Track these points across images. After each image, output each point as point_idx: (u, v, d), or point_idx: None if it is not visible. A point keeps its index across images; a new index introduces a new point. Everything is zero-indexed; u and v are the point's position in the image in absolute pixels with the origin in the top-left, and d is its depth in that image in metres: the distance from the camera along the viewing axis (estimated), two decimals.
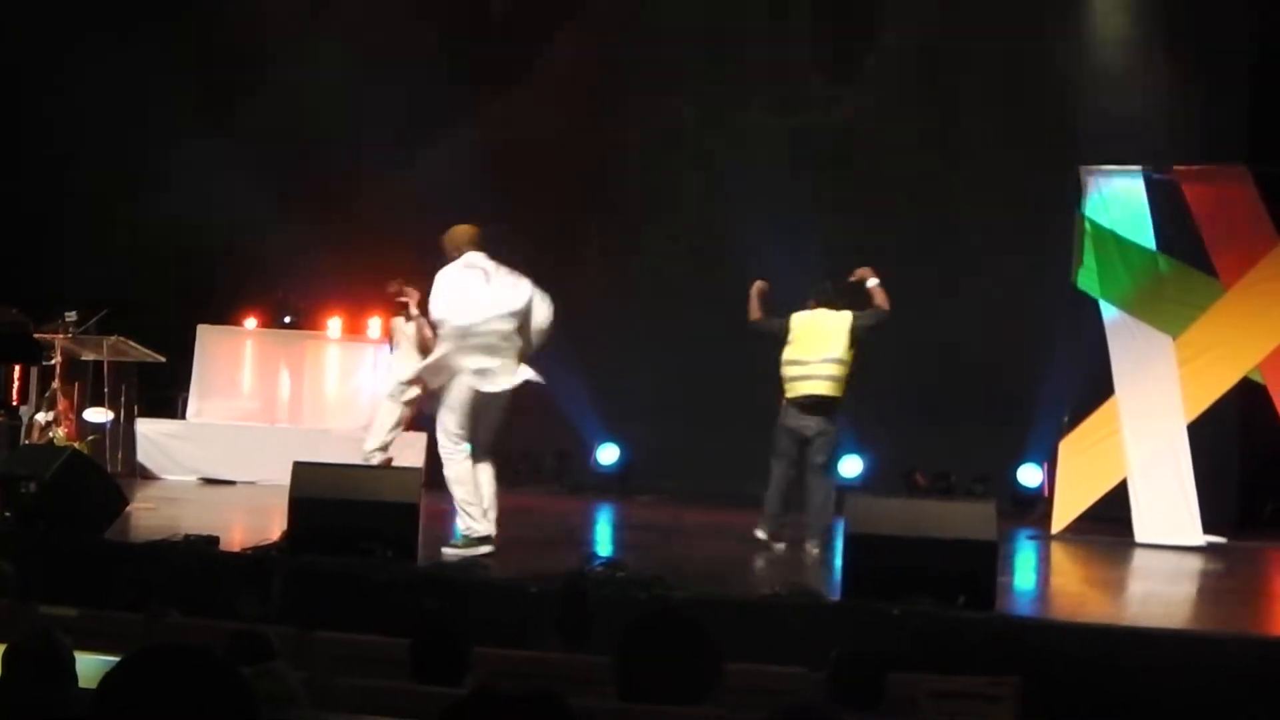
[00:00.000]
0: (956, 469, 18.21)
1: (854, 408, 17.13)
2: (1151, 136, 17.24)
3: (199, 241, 19.47)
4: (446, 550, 11.97)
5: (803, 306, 14.01)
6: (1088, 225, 16.01)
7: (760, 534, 13.64)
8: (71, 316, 17.14)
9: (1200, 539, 15.24)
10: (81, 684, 5.59)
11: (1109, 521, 15.61)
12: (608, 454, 19.47)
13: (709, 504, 17.16)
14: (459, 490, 12.25)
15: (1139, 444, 15.64)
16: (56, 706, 4.93)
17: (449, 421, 12.29)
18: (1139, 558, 14.83)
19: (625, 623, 5.53)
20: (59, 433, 16.83)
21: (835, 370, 13.68)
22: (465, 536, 12.22)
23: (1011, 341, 17.68)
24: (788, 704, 4.12)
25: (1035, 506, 17.21)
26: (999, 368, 17.75)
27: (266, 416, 18.88)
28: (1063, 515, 15.73)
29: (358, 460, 13.86)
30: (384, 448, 14.49)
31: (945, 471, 18.25)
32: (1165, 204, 16.02)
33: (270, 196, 19.13)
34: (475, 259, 12.29)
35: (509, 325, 12.27)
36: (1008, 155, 18.12)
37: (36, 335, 17.18)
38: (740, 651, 7.16)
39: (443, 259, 12.37)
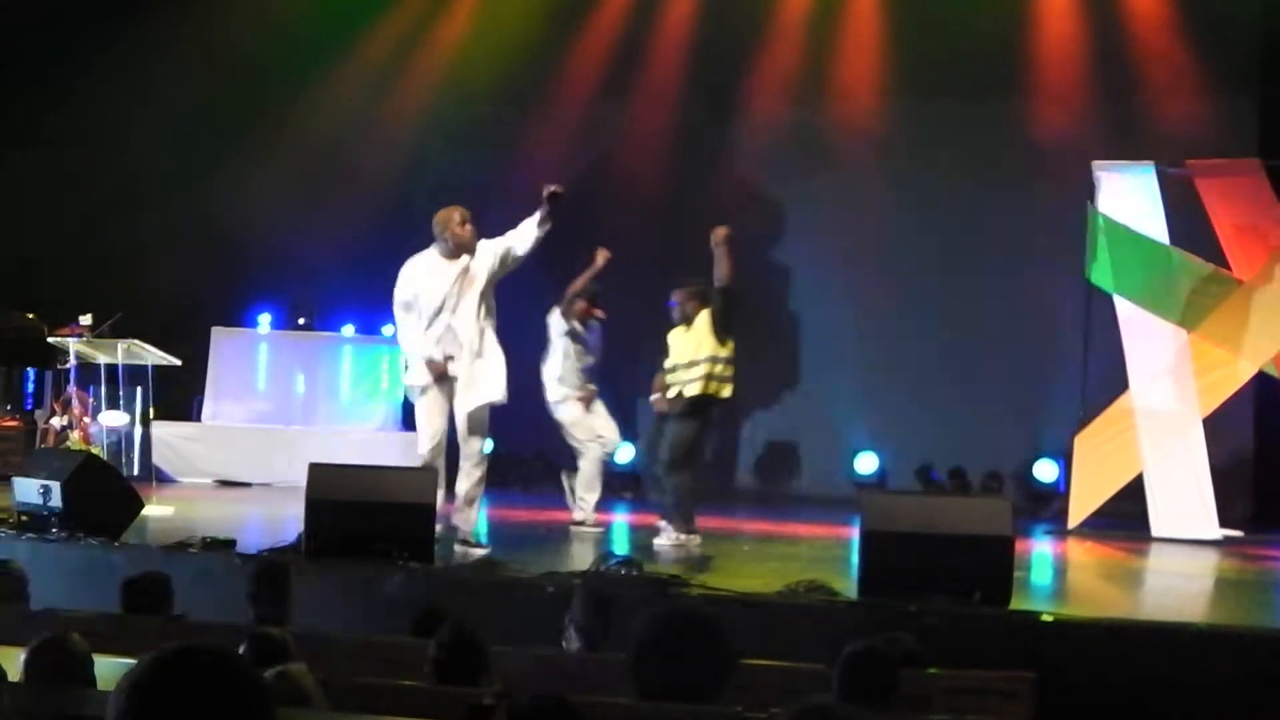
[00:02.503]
0: (972, 465, 18.21)
1: (869, 405, 17.18)
2: (1164, 131, 17.26)
3: (213, 244, 19.53)
4: (476, 552, 12.06)
5: None
6: (1101, 220, 15.99)
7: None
8: (86, 320, 17.17)
9: (1216, 533, 15.23)
10: (100, 687, 5.61)
11: (1125, 516, 15.61)
12: (623, 453, 19.43)
13: (724, 502, 17.16)
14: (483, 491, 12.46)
15: (1154, 438, 15.63)
16: (75, 709, 4.94)
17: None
18: (1155, 552, 14.83)
19: (641, 621, 5.53)
20: (74, 436, 16.86)
21: None
22: (477, 533, 12.41)
23: (1026, 337, 17.72)
24: (805, 704, 4.12)
25: (1051, 502, 17.21)
26: (1013, 364, 17.78)
27: (281, 418, 18.88)
28: (1079, 510, 15.71)
29: (374, 462, 13.87)
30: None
31: (961, 468, 18.24)
32: (1178, 198, 16.01)
33: (285, 197, 19.19)
34: None
35: None
36: (1020, 152, 18.13)
37: (51, 339, 17.21)
38: (757, 649, 7.17)
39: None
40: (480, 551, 12.12)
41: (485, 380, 12.40)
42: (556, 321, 14.96)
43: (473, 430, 12.45)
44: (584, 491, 14.89)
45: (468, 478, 12.44)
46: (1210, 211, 15.88)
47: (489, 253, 12.43)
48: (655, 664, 5.34)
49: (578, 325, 14.92)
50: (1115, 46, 18.10)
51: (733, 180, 18.99)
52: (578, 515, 14.83)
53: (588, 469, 14.95)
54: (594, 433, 14.98)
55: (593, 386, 15.11)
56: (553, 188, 12.38)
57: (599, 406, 15.08)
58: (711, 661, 5.35)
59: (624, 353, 18.56)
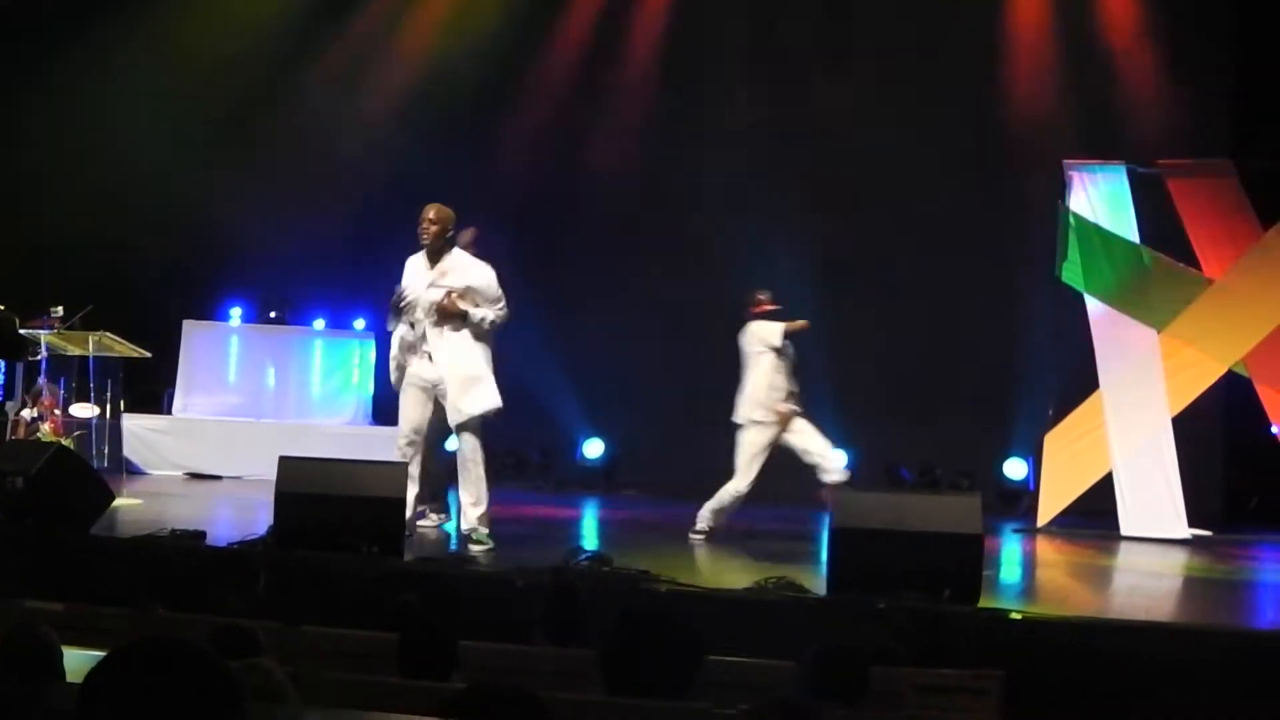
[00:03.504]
0: (942, 463, 18.24)
1: (838, 402, 17.18)
2: (1135, 131, 17.30)
3: (184, 237, 19.49)
4: (476, 549, 12.10)
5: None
6: (1072, 219, 16.05)
7: None
8: (57, 312, 17.10)
9: (1185, 532, 15.29)
10: (68, 679, 5.59)
11: (1094, 515, 15.66)
12: (593, 448, 19.48)
13: (694, 498, 17.15)
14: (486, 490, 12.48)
15: (1124, 437, 15.69)
16: (43, 701, 4.93)
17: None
18: (1124, 551, 14.87)
19: (608, 619, 5.54)
20: (45, 428, 16.81)
21: None
22: (488, 534, 12.40)
23: (996, 335, 17.73)
24: (770, 698, 4.14)
25: (1021, 500, 17.25)
26: (984, 362, 17.81)
27: (252, 411, 18.86)
28: (1048, 509, 15.77)
29: (345, 455, 13.85)
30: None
31: (931, 466, 18.26)
32: (1149, 198, 16.07)
33: (256, 191, 19.15)
34: None
35: None
36: (991, 150, 18.14)
37: (22, 331, 17.15)
38: (726, 646, 7.17)
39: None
40: (481, 549, 12.15)
41: (477, 392, 12.43)
42: (767, 335, 14.16)
43: (461, 433, 12.51)
44: (717, 503, 14.16)
45: (462, 479, 12.54)
46: (1181, 211, 15.94)
47: (470, 291, 12.47)
48: (621, 661, 5.36)
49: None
50: (1088, 46, 18.13)
51: (706, 178, 18.98)
52: (700, 525, 14.07)
53: (729, 489, 14.10)
54: (752, 465, 14.07)
55: (788, 407, 14.08)
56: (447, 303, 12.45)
57: (800, 425, 14.13)
58: (676, 659, 5.36)
59: (606, 349, 18.65)
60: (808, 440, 14.05)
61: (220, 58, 19.55)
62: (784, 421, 14.03)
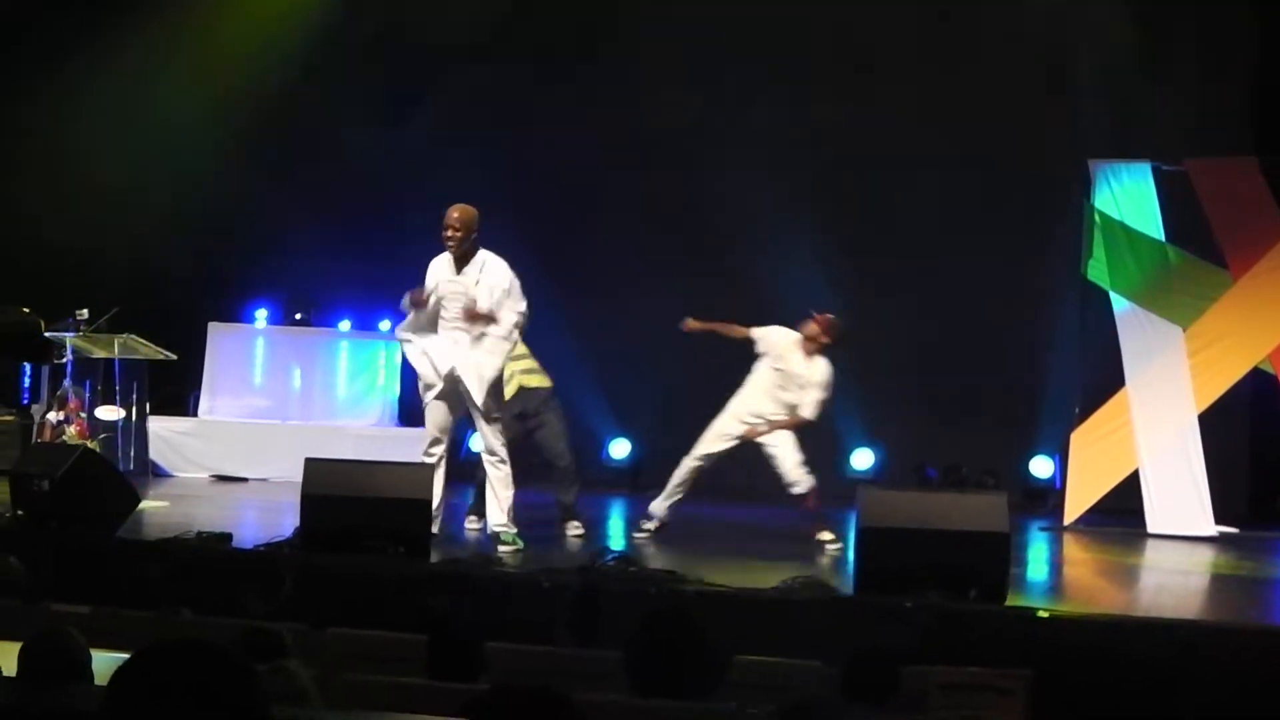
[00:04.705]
0: (968, 461, 18.20)
1: (865, 401, 17.20)
2: (1157, 128, 17.24)
3: (209, 239, 19.52)
4: (503, 549, 12.09)
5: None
6: (1097, 217, 16.03)
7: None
8: (83, 314, 17.14)
9: (1212, 529, 15.25)
10: (97, 682, 5.60)
11: (1121, 513, 15.63)
12: (619, 449, 19.46)
13: (720, 498, 17.15)
14: (513, 490, 12.46)
15: (1150, 435, 15.65)
16: (71, 704, 4.95)
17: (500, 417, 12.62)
18: (1151, 549, 14.84)
19: (631, 620, 5.54)
20: (70, 431, 16.83)
21: None
22: (515, 535, 12.36)
23: (1022, 334, 17.70)
24: (792, 699, 4.13)
25: (1047, 498, 17.23)
26: (1010, 360, 17.76)
27: (278, 413, 18.85)
28: (1074, 507, 15.74)
29: (371, 457, 13.84)
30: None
31: (957, 464, 18.22)
32: (1174, 196, 16.03)
33: (282, 192, 19.15)
34: None
35: None
36: (1016, 147, 18.08)
37: (47, 334, 17.19)
38: (752, 645, 7.17)
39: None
40: (508, 549, 12.13)
41: (498, 392, 12.43)
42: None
43: (484, 435, 12.50)
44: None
45: (489, 479, 12.62)
46: (1206, 209, 15.89)
47: (493, 299, 12.41)
48: (647, 662, 5.36)
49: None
50: (1111, 40, 18.04)
51: (733, 180, 18.92)
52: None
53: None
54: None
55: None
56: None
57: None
58: (702, 659, 5.36)
59: (633, 349, 18.65)
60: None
61: (247, 59, 19.55)
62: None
